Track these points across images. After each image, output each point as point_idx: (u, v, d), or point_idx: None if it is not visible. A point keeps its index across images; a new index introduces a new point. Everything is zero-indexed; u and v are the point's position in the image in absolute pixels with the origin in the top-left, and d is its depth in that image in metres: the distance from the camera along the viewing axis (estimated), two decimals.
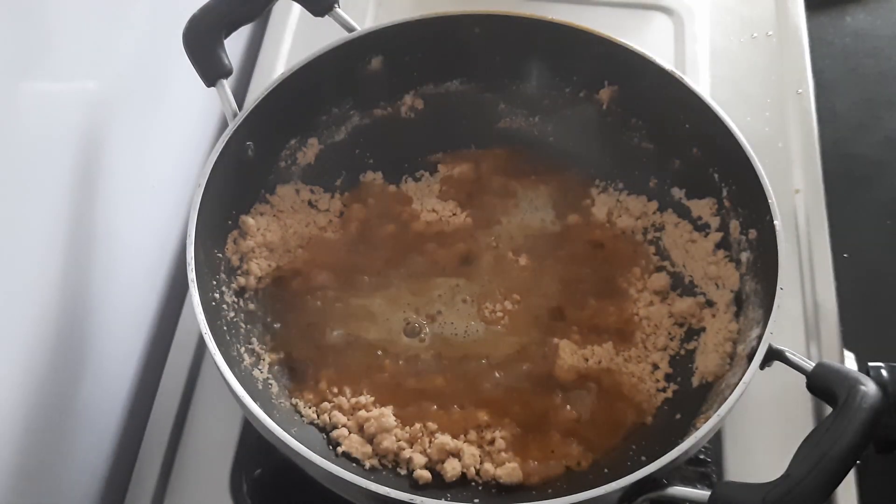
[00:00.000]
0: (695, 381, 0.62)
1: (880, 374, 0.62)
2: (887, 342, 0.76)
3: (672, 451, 0.49)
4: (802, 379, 0.53)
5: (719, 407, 0.51)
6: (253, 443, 0.64)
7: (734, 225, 0.64)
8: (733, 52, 0.86)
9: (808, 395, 0.54)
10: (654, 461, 0.49)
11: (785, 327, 0.55)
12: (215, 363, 0.52)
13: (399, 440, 0.60)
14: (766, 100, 0.82)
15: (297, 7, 0.67)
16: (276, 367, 0.64)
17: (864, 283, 0.80)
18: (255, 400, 0.52)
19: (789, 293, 0.55)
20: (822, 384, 0.51)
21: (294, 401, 0.62)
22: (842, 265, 0.73)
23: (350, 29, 0.67)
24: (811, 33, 0.87)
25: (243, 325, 0.63)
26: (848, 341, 0.68)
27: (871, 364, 0.63)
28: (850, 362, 0.68)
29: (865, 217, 0.87)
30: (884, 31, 1.00)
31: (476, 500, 0.58)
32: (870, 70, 0.97)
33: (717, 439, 0.64)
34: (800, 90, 0.83)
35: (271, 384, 0.62)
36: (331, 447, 0.60)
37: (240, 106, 0.63)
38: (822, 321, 0.69)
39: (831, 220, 0.74)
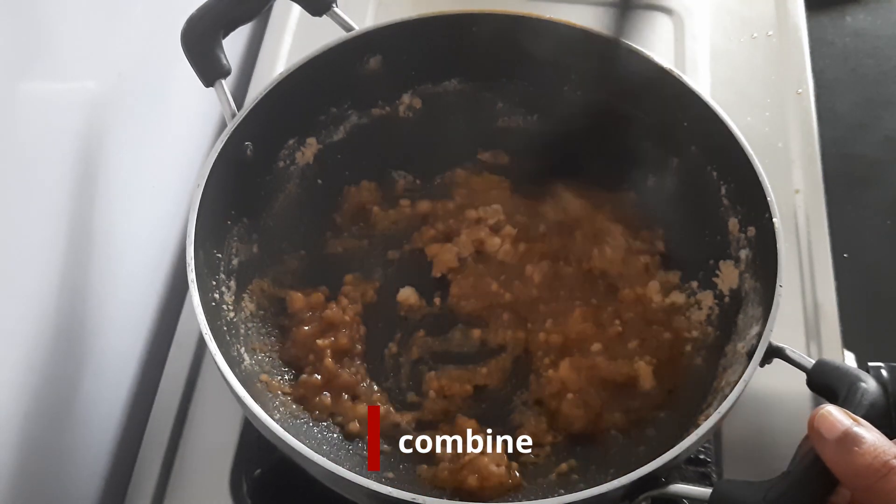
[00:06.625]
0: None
1: (880, 373, 0.62)
2: (887, 342, 0.76)
3: (673, 449, 0.49)
4: (802, 377, 0.53)
5: (719, 405, 0.51)
6: (253, 443, 0.64)
7: (733, 222, 0.63)
8: (733, 52, 0.86)
9: (808, 392, 0.54)
10: (654, 459, 0.49)
11: (785, 327, 0.55)
12: (215, 363, 0.52)
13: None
14: (766, 100, 0.82)
15: (298, 7, 0.67)
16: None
17: (864, 283, 0.80)
18: (255, 400, 0.52)
19: (789, 293, 0.55)
20: (823, 381, 0.51)
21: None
22: (842, 265, 0.73)
23: (348, 28, 0.67)
24: (811, 33, 0.87)
25: (243, 325, 0.63)
26: (848, 341, 0.68)
27: (871, 364, 0.63)
28: (850, 362, 0.67)
29: (865, 217, 0.86)
30: (884, 31, 1.00)
31: None
32: (870, 70, 0.97)
33: (716, 439, 0.63)
34: (800, 90, 0.83)
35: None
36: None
37: (241, 106, 0.62)
38: (822, 321, 0.69)
39: (831, 220, 0.74)
